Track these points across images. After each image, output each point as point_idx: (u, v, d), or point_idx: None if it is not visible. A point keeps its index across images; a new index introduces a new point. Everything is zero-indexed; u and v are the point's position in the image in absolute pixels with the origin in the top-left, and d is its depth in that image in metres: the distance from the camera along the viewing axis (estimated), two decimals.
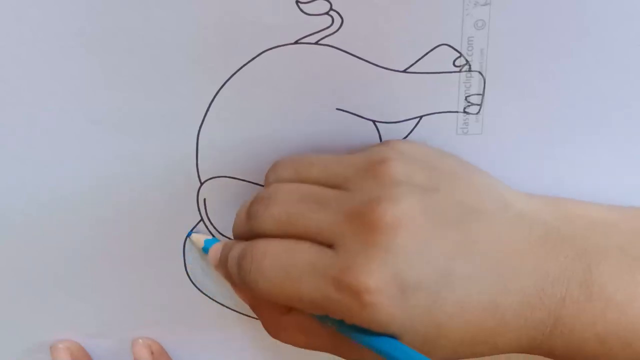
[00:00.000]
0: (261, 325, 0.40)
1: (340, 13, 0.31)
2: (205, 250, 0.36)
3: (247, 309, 0.40)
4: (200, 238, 0.37)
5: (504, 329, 0.29)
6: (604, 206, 0.32)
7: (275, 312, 0.32)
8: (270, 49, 0.32)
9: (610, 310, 0.28)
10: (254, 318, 0.40)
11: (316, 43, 0.32)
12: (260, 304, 0.33)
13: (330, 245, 0.29)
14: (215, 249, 0.35)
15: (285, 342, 0.32)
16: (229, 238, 0.37)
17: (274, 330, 0.33)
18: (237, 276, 0.31)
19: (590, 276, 0.29)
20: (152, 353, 0.40)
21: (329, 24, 0.32)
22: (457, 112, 0.34)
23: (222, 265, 0.33)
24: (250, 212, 0.31)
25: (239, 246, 0.31)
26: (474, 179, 0.31)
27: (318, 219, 0.29)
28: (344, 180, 0.30)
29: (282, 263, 0.29)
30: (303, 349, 0.33)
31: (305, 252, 0.29)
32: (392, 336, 0.28)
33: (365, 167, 0.30)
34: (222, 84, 0.33)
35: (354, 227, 0.28)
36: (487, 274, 0.28)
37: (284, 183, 0.31)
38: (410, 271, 0.28)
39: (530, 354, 0.30)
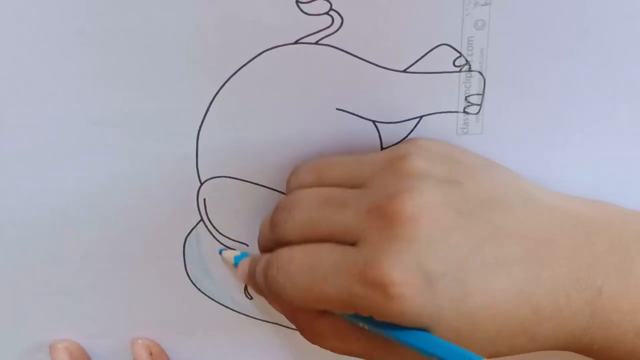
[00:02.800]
0: (260, 325, 0.40)
1: (340, 13, 0.31)
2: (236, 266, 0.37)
3: (247, 309, 0.40)
4: (230, 254, 0.37)
5: (539, 318, 0.28)
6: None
7: (310, 318, 0.32)
8: (270, 49, 0.32)
9: None
10: (253, 318, 0.40)
11: (316, 43, 0.32)
12: (294, 312, 0.33)
13: (353, 244, 0.29)
14: (244, 264, 0.35)
15: (324, 348, 0.32)
16: (229, 238, 0.37)
17: (311, 336, 0.33)
18: (265, 287, 0.31)
19: (628, 266, 0.28)
20: (151, 354, 0.40)
21: (329, 24, 0.32)
22: (457, 112, 0.34)
23: (251, 279, 0.33)
24: (273, 220, 0.32)
25: (265, 257, 0.32)
26: (497, 175, 0.31)
27: (340, 220, 0.29)
28: (364, 180, 0.30)
29: (307, 267, 0.29)
30: (302, 350, 0.33)
31: (329, 253, 0.29)
32: (424, 329, 0.28)
33: (386, 164, 0.30)
34: (222, 84, 0.33)
35: (375, 222, 0.28)
36: (517, 262, 0.28)
37: (305, 189, 0.32)
38: (434, 261, 0.27)
39: (570, 350, 0.29)
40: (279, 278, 0.30)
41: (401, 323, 0.28)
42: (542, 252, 0.28)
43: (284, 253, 0.30)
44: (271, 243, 0.32)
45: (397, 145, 0.32)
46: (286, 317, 0.34)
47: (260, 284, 0.31)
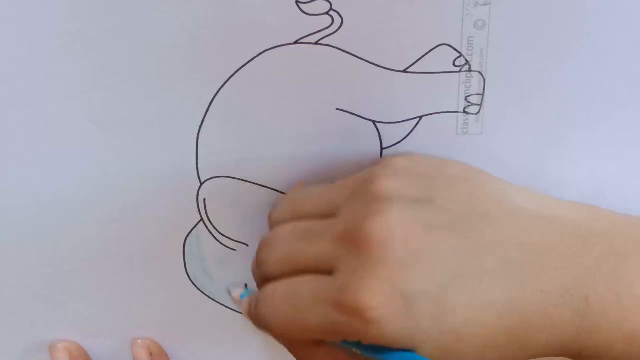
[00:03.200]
0: None
1: (340, 13, 0.31)
2: None
3: None
4: (237, 293, 0.38)
5: (528, 328, 0.28)
6: (631, 216, 0.32)
7: (307, 347, 0.32)
8: (270, 49, 0.32)
9: (638, 309, 0.28)
10: None
11: (316, 43, 0.32)
12: (292, 342, 0.33)
13: (331, 273, 0.29)
14: (245, 302, 0.36)
15: None
16: (229, 238, 0.37)
17: None
18: (257, 322, 0.32)
19: (617, 274, 0.28)
20: (151, 354, 0.40)
21: (329, 24, 0.32)
22: (457, 112, 0.34)
23: (250, 316, 0.34)
24: (257, 260, 0.33)
25: (256, 294, 0.33)
26: (476, 186, 0.31)
27: (315, 251, 0.30)
28: (336, 208, 0.31)
29: (288, 299, 0.30)
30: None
31: (308, 284, 0.30)
32: (410, 349, 0.28)
33: (355, 190, 0.31)
34: (222, 84, 0.33)
35: (347, 248, 0.29)
36: (500, 272, 0.28)
37: (282, 225, 0.32)
38: (408, 280, 0.27)
39: (561, 356, 0.29)
40: (264, 312, 0.31)
41: (385, 345, 0.28)
42: (528, 262, 0.28)
43: (268, 289, 0.31)
44: (260, 280, 0.33)
45: (368, 167, 0.33)
46: (285, 347, 0.34)
47: (254, 320, 0.32)
